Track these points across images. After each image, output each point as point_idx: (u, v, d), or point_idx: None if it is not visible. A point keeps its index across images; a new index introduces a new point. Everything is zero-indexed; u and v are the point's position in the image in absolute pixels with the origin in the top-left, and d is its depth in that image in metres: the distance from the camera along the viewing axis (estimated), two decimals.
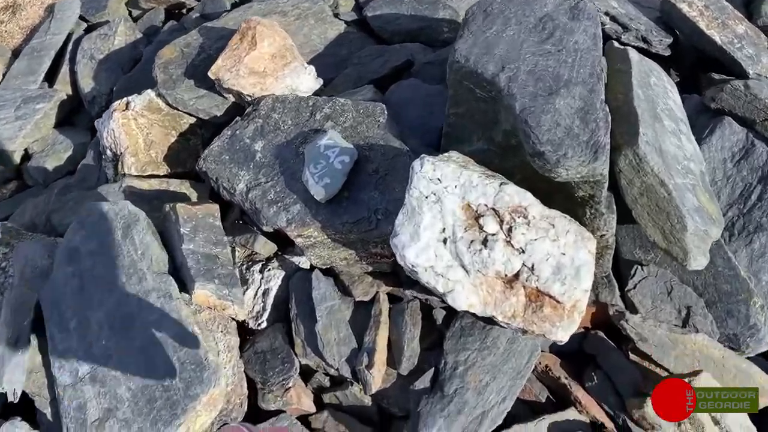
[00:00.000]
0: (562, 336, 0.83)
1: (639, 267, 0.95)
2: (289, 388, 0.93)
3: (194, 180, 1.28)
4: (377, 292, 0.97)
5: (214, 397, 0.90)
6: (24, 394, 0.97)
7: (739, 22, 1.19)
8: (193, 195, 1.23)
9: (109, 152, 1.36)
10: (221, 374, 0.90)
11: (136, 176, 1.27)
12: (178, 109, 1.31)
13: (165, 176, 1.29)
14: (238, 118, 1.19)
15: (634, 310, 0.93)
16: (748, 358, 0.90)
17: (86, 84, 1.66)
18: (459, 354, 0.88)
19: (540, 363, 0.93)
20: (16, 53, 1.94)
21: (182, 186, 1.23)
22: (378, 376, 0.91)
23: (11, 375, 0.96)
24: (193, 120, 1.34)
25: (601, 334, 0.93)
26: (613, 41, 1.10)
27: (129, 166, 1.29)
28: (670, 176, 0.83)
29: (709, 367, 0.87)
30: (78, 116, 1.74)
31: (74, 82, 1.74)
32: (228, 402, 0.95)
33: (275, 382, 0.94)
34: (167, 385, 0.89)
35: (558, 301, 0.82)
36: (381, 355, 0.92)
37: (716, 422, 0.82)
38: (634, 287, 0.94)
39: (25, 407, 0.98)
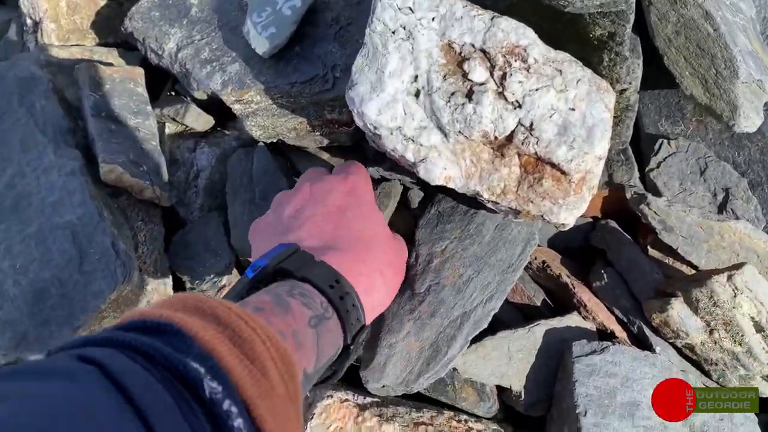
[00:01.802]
0: (567, 218, 0.63)
1: (665, 141, 0.75)
2: (223, 287, 0.75)
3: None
4: None
5: (126, 295, 0.72)
6: None
7: None
8: (122, 64, 1.01)
9: (29, 21, 1.15)
10: (134, 268, 0.72)
11: (57, 46, 1.05)
12: None
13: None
14: None
15: (657, 194, 0.73)
16: None
17: None
18: (434, 244, 0.69)
19: (536, 259, 0.74)
20: None
21: (109, 54, 1.01)
22: None
23: None
24: None
25: (614, 224, 0.74)
26: None
27: (49, 34, 1.07)
28: (717, 8, 0.62)
29: (752, 262, 0.68)
30: None
31: None
32: (148, 303, 0.76)
33: (206, 279, 0.75)
34: (64, 279, 0.70)
35: (562, 172, 0.62)
36: None
37: (760, 329, 0.64)
38: (658, 166, 0.74)
39: None
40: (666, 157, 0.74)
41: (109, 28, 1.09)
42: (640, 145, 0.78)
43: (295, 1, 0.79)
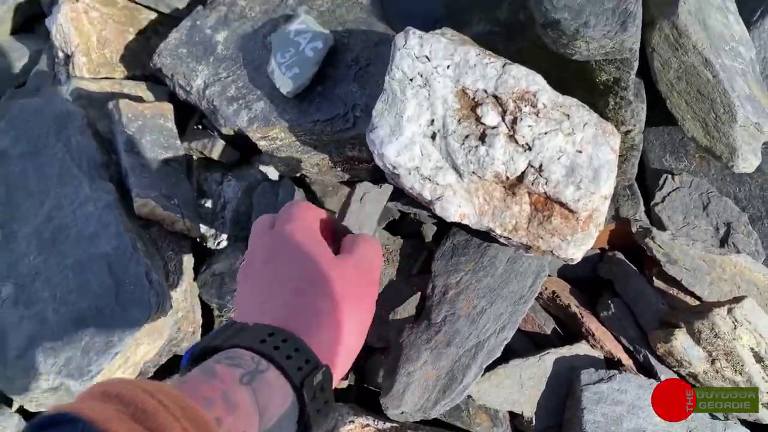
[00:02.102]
0: (575, 253, 0.67)
1: (669, 177, 0.79)
2: None
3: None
4: None
5: (159, 323, 0.76)
6: None
7: None
8: (150, 98, 1.06)
9: (60, 54, 1.20)
10: (167, 297, 0.76)
11: (87, 79, 1.11)
12: (135, 1, 1.13)
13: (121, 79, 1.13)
14: (199, 6, 1.02)
15: (661, 228, 0.77)
16: None
17: None
18: (449, 276, 0.73)
19: (546, 289, 0.78)
20: None
21: (138, 88, 1.06)
22: None
23: None
24: (153, 15, 1.16)
25: (620, 256, 0.78)
26: None
27: (80, 67, 1.12)
28: (717, 55, 0.66)
29: (752, 294, 0.71)
30: (39, 24, 1.56)
31: None
32: (178, 330, 0.81)
33: (232, 308, 0.80)
34: (102, 308, 0.75)
35: (570, 210, 0.66)
36: None
37: (759, 359, 0.68)
38: (663, 200, 0.78)
39: None
40: (670, 192, 0.78)
41: (137, 61, 1.14)
42: (646, 180, 0.82)
43: (317, 42, 0.84)
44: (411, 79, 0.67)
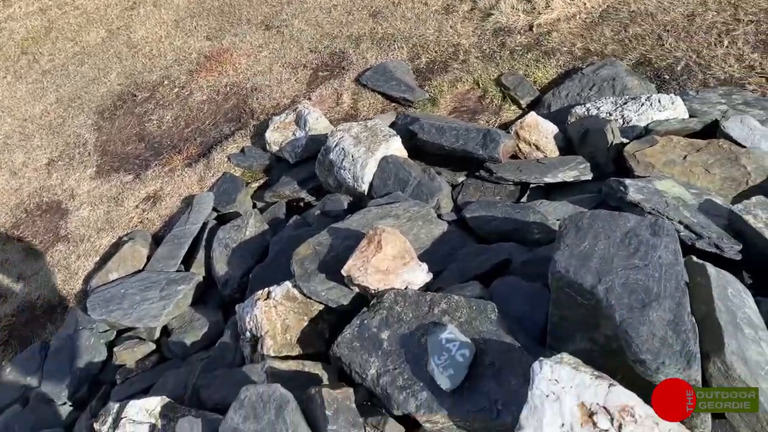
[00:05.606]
0: None
1: None
2: None
3: (320, 360, 1.47)
4: None
5: None
6: None
7: None
8: (325, 377, 1.42)
9: (248, 334, 1.59)
10: None
11: (274, 357, 1.48)
12: (311, 299, 1.54)
13: (297, 356, 1.50)
14: (365, 309, 1.41)
15: None
16: None
17: (221, 268, 1.94)
18: None
19: None
20: (155, 238, 2.28)
21: (315, 368, 1.43)
22: None
23: None
24: (321, 307, 1.56)
25: None
26: (692, 256, 1.27)
27: (268, 347, 1.51)
28: (756, 382, 0.98)
29: None
30: (209, 296, 2.01)
31: (209, 267, 2.03)
32: None
33: None
34: None
35: None
36: None
37: None
38: None
39: None
40: None
41: (309, 342, 1.53)
42: None
43: (465, 350, 1.19)
44: (547, 396, 1.00)
